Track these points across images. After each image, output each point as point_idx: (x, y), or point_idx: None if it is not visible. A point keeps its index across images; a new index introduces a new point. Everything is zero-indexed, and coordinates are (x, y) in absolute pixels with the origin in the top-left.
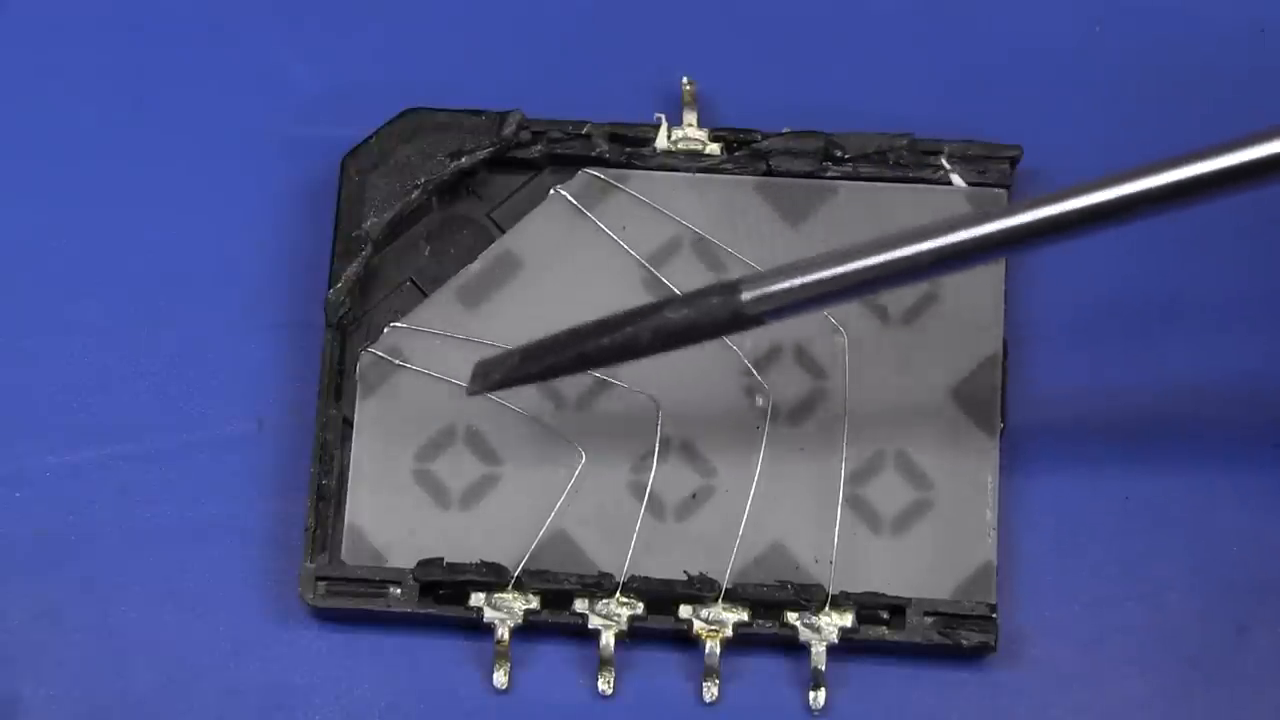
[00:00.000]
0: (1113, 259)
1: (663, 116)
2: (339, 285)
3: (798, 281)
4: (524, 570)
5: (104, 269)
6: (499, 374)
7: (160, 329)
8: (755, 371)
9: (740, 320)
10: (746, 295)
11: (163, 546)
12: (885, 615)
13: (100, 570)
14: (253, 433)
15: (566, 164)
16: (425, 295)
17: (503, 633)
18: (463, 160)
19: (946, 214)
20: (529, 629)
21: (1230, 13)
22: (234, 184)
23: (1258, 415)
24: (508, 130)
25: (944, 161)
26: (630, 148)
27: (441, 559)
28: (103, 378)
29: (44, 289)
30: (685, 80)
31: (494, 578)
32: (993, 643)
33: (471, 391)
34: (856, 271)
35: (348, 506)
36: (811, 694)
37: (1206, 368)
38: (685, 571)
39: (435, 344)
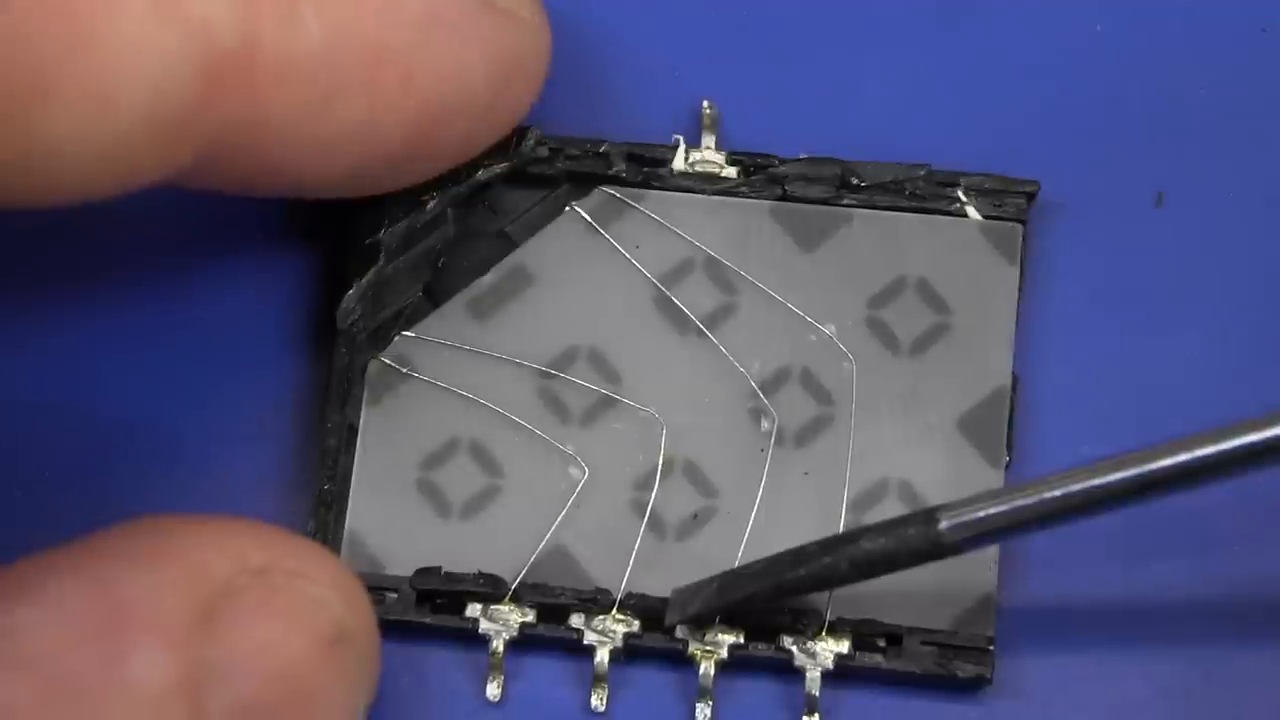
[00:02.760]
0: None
1: (680, 138)
2: (350, 292)
3: (995, 510)
4: (521, 583)
5: (104, 269)
6: (697, 605)
7: (160, 329)
8: (762, 395)
9: (940, 549)
10: (944, 524)
11: None
12: (882, 643)
13: None
14: (253, 434)
15: (583, 181)
16: (436, 306)
17: (497, 644)
18: (479, 174)
19: (964, 247)
20: (524, 642)
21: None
22: None
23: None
24: (525, 146)
25: (960, 194)
26: (647, 168)
27: (440, 568)
28: (103, 377)
29: (44, 288)
30: (706, 104)
31: (491, 589)
32: (988, 675)
33: (670, 622)
34: (1056, 499)
35: (348, 512)
36: (805, 719)
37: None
38: None
39: (444, 354)
